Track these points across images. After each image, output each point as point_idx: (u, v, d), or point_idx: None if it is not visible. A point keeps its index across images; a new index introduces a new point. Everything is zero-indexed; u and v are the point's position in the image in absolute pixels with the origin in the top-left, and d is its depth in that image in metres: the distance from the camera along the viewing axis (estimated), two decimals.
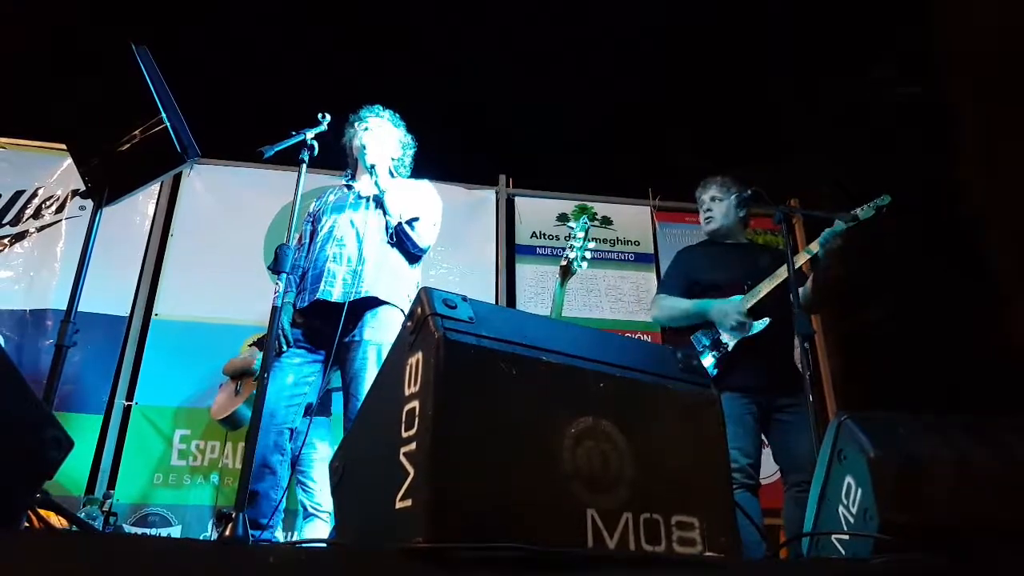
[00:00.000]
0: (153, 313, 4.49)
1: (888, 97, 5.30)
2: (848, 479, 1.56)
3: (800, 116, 5.41)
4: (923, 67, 5.10)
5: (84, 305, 2.52)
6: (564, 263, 3.18)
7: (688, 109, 5.49)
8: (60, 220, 4.57)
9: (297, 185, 2.60)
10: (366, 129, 3.28)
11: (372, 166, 3.14)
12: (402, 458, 1.16)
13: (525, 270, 5.05)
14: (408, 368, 1.23)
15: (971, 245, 4.83)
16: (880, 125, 5.16)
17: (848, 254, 3.03)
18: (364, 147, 3.21)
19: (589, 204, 5.34)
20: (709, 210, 3.37)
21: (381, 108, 3.38)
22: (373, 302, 2.98)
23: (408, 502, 1.12)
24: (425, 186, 3.35)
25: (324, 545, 1.22)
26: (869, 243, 4.09)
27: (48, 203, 4.61)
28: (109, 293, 4.38)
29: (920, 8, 5.03)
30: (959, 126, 4.91)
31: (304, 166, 2.64)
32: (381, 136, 3.28)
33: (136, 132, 2.31)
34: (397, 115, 3.42)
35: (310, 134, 2.68)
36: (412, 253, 3.17)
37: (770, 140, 5.34)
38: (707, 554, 1.28)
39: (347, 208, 3.18)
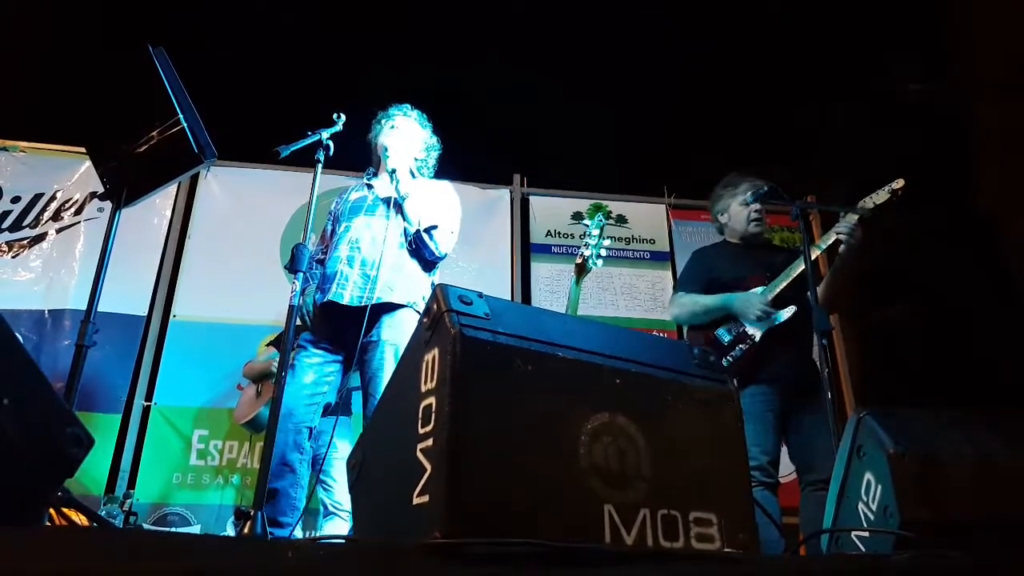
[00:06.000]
0: (171, 314, 4.53)
1: (904, 94, 5.26)
2: (868, 476, 1.55)
3: (816, 113, 5.38)
4: (940, 63, 5.06)
5: (102, 305, 2.54)
6: (579, 261, 3.17)
7: (703, 106, 5.46)
8: (79, 222, 4.63)
9: (313, 185, 2.61)
10: (392, 127, 3.25)
11: (393, 171, 3.10)
12: (419, 454, 1.17)
13: (540, 269, 5.05)
14: (425, 364, 1.23)
15: (990, 242, 4.79)
16: (896, 122, 5.12)
17: (870, 247, 3.00)
18: (387, 149, 3.17)
19: (604, 202, 5.33)
20: (759, 211, 3.30)
21: (410, 107, 3.35)
22: (389, 306, 2.97)
23: (425, 498, 1.12)
24: (445, 190, 3.31)
25: (342, 541, 1.23)
26: (890, 238, 4.06)
27: (67, 205, 4.67)
28: (127, 293, 4.42)
29: (937, 4, 4.99)
30: (976, 123, 4.86)
31: (320, 166, 2.65)
32: (405, 136, 3.25)
33: (154, 133, 2.34)
34: (424, 115, 3.38)
35: (326, 134, 2.69)
36: (429, 261, 3.16)
37: (786, 137, 5.30)
38: (725, 550, 1.27)
39: (364, 211, 3.16)
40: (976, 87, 4.97)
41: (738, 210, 3.34)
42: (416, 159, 3.30)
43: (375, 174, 3.35)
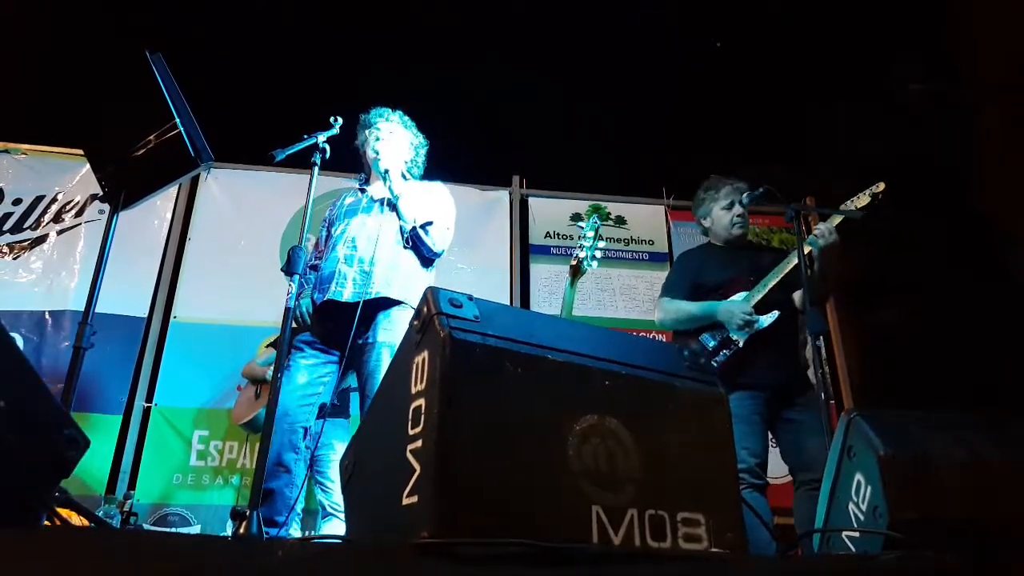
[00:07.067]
0: (172, 316, 4.55)
1: (907, 95, 5.26)
2: (858, 476, 1.55)
3: (815, 113, 5.38)
4: (940, 63, 5.06)
5: (103, 307, 2.56)
6: (574, 263, 3.19)
7: (703, 107, 5.47)
8: (79, 224, 4.66)
9: (309, 188, 2.63)
10: (378, 139, 3.26)
11: (385, 171, 3.12)
12: (408, 455, 1.18)
13: (539, 270, 5.07)
14: (415, 366, 1.25)
15: (990, 243, 4.79)
16: (896, 122, 5.12)
17: (849, 248, 3.02)
18: (377, 154, 3.19)
19: (603, 204, 5.35)
20: (742, 215, 3.31)
21: (391, 111, 3.35)
22: (385, 303, 2.99)
23: (414, 498, 1.13)
24: (438, 189, 3.34)
25: (331, 540, 1.24)
26: (884, 239, 4.06)
27: (68, 207, 4.70)
28: (128, 295, 4.45)
29: (937, 5, 4.99)
30: (976, 123, 4.86)
31: (316, 169, 2.66)
32: (393, 142, 3.27)
33: (151, 137, 2.36)
34: (407, 116, 3.39)
35: (322, 137, 2.70)
36: (426, 257, 3.19)
37: (785, 138, 5.31)
38: (713, 550, 1.28)
39: (360, 211, 3.18)
40: (976, 87, 4.97)
41: (720, 214, 3.34)
42: (405, 161, 3.32)
43: (367, 180, 3.38)
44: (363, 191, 3.31)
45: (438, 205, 3.22)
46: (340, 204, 3.33)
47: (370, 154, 3.25)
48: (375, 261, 3.00)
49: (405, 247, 3.12)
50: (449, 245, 3.28)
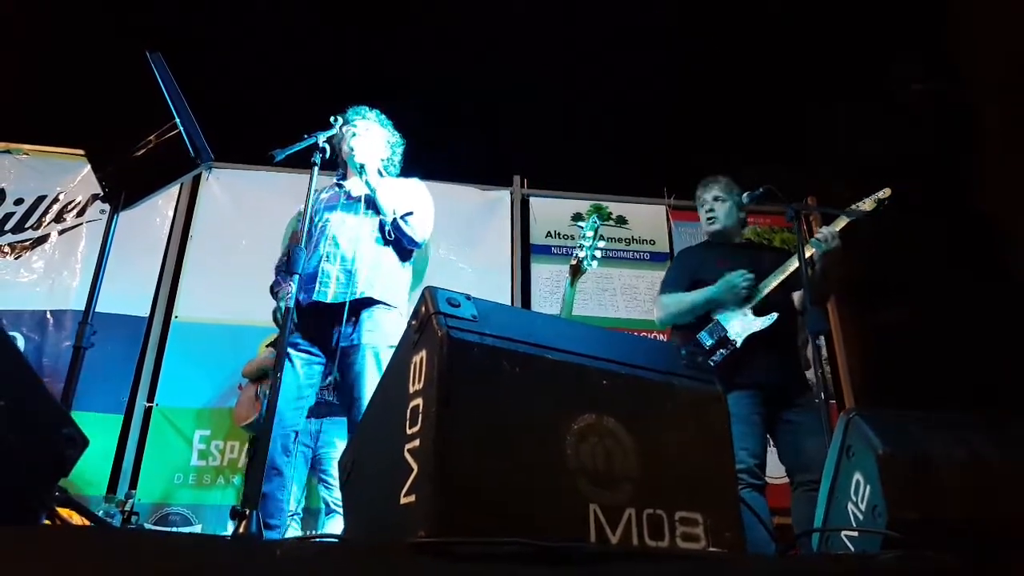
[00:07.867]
0: (173, 315, 4.55)
1: (907, 95, 5.25)
2: (857, 476, 1.55)
3: (816, 113, 5.38)
4: (940, 63, 5.06)
5: (104, 306, 2.56)
6: (574, 263, 3.20)
7: (703, 106, 5.47)
8: (81, 223, 4.66)
9: (309, 188, 2.63)
10: (354, 135, 3.25)
11: (361, 166, 3.12)
12: (406, 454, 1.18)
13: (540, 270, 5.07)
14: (412, 366, 1.25)
15: (990, 243, 4.78)
16: (896, 122, 5.12)
17: (850, 252, 3.02)
18: (352, 149, 3.19)
19: (604, 203, 5.35)
20: (712, 210, 3.31)
21: (367, 109, 3.37)
22: (369, 303, 3.00)
23: (412, 498, 1.14)
24: (414, 183, 3.34)
25: (329, 540, 1.25)
26: (885, 240, 4.07)
27: (69, 207, 4.70)
28: (129, 295, 4.45)
29: (937, 4, 4.98)
30: (976, 123, 4.86)
31: (316, 169, 2.67)
32: (369, 138, 3.27)
33: (151, 137, 2.36)
34: (383, 115, 3.40)
35: (322, 137, 2.71)
36: (407, 249, 3.20)
37: (787, 138, 5.31)
38: (711, 549, 1.28)
39: (339, 208, 3.19)
40: (976, 87, 4.97)
41: (700, 211, 3.37)
42: (381, 159, 3.32)
43: (344, 176, 3.38)
44: (340, 186, 3.31)
45: (416, 196, 3.23)
46: (317, 198, 3.31)
47: (346, 149, 3.25)
48: (357, 260, 3.02)
49: (386, 242, 3.13)
50: (429, 236, 3.27)
